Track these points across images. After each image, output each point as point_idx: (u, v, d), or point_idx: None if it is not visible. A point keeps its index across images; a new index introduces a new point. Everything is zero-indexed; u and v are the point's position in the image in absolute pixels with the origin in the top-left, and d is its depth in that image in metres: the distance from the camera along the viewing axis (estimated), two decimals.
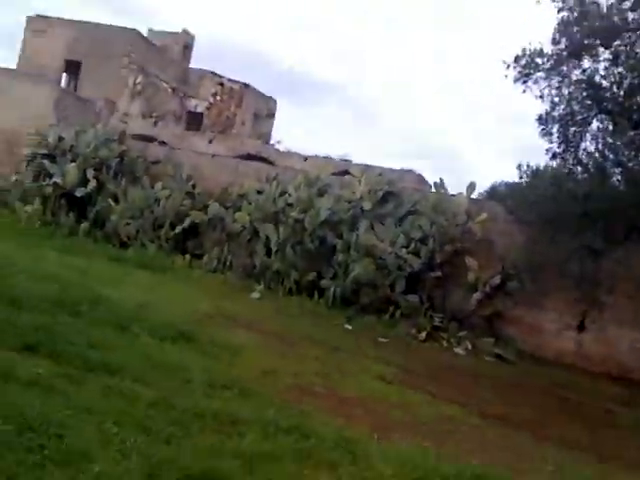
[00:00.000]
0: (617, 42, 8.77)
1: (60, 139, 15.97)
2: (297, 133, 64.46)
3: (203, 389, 5.19)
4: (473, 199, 12.81)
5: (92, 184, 14.84)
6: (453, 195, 12.88)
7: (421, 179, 21.37)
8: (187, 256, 13.78)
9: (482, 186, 23.79)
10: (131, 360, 5.39)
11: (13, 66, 28.97)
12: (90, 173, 14.95)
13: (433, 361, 9.67)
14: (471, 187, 12.72)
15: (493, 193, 22.40)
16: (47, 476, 3.02)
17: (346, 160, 22.46)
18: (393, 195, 13.30)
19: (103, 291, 7.97)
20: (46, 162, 15.49)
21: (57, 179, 14.92)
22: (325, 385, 6.39)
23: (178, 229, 14.22)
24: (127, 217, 14.40)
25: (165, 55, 32.05)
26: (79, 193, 14.84)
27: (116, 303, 7.42)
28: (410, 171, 23.23)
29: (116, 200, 14.69)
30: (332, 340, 9.16)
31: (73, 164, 15.05)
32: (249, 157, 22.79)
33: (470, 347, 11.17)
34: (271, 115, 35.95)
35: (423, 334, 11.31)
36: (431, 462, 4.30)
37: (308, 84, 75.22)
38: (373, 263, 11.93)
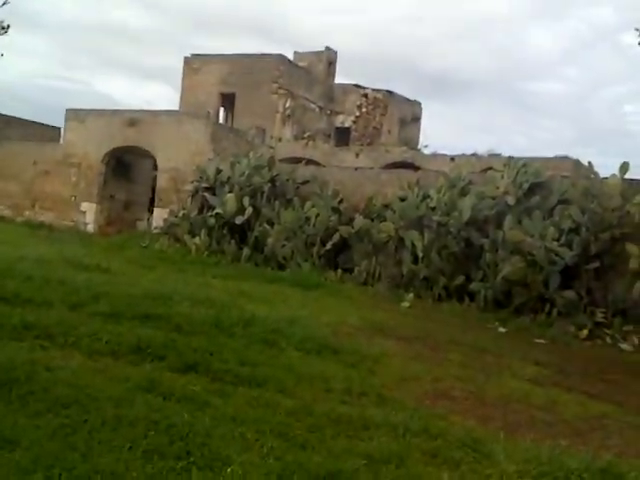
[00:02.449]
0: None
1: (218, 171, 17.36)
2: (446, 134, 63.69)
3: (341, 397, 5.54)
4: (628, 180, 11.95)
5: (249, 211, 15.92)
6: (605, 178, 12.13)
7: (579, 165, 20.25)
8: (339, 271, 14.34)
9: None
10: (276, 373, 5.87)
11: (176, 102, 32.22)
12: (246, 200, 16.07)
13: (594, 360, 9.13)
14: (624, 168, 11.87)
15: None
16: (192, 478, 3.53)
17: (494, 155, 21.87)
18: (540, 186, 12.80)
19: (257, 311, 8.60)
20: (207, 195, 16.99)
21: (218, 210, 16.23)
22: (466, 388, 6.41)
23: (328, 245, 14.79)
24: (282, 239, 15.25)
25: (310, 75, 33.45)
26: (238, 221, 15.99)
27: (268, 321, 7.97)
28: (565, 157, 22.09)
29: (271, 224, 15.63)
30: (481, 343, 9.00)
31: (231, 194, 16.29)
32: (395, 165, 23.13)
33: (637, 342, 10.43)
34: (417, 119, 36.00)
35: (584, 332, 10.70)
36: (558, 458, 4.25)
37: (455, 82, 73.95)
38: (523, 260, 11.56)
